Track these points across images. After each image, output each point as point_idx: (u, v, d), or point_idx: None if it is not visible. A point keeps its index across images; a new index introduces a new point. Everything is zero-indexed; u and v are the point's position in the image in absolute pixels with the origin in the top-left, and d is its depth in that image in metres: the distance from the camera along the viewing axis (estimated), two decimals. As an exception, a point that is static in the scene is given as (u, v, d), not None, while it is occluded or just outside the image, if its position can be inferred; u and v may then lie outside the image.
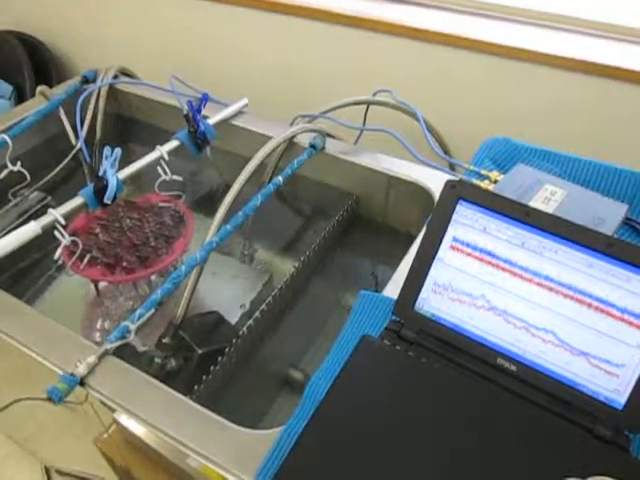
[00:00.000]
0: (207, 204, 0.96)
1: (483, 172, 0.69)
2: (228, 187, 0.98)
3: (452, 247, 0.52)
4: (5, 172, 0.87)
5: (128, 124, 1.06)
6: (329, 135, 0.88)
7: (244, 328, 0.68)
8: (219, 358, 0.65)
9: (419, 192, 0.79)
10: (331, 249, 0.83)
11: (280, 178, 0.77)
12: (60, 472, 1.12)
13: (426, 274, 0.53)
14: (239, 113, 0.94)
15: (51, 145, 1.02)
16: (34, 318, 0.61)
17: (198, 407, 0.54)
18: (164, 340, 0.67)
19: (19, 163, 0.88)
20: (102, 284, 0.82)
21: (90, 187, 0.73)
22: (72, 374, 0.53)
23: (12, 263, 0.64)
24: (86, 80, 1.03)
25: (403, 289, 0.54)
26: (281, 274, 0.87)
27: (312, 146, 0.84)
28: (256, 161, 0.77)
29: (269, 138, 0.87)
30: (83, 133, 0.90)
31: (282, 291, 0.72)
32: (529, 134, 0.81)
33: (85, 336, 0.81)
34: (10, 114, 0.98)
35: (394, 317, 0.55)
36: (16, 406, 0.72)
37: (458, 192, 0.52)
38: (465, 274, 0.52)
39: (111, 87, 1.03)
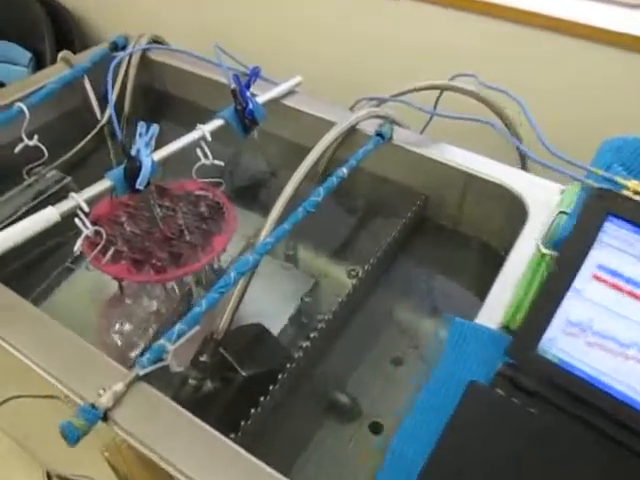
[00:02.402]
0: (247, 196, 0.84)
1: (619, 180, 0.55)
2: (273, 177, 0.87)
3: (595, 276, 0.40)
4: (20, 146, 0.76)
5: (160, 99, 0.94)
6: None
7: (300, 350, 0.56)
8: (271, 387, 0.53)
9: (505, 197, 0.66)
10: (392, 258, 0.70)
11: (344, 170, 0.64)
12: (61, 477, 1.02)
13: (556, 309, 0.41)
14: (290, 93, 0.82)
15: (72, 119, 0.90)
16: (44, 325, 0.50)
17: (250, 458, 0.42)
18: (202, 358, 0.55)
19: (36, 137, 0.77)
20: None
21: (120, 169, 0.61)
22: (93, 406, 0.42)
23: (18, 254, 0.53)
24: (115, 47, 0.91)
25: (524, 326, 0.42)
26: (327, 281, 0.75)
27: (379, 135, 0.71)
28: (320, 150, 0.65)
29: (327, 123, 0.75)
30: (113, 102, 0.77)
31: (342, 306, 0.60)
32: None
33: (102, 340, 0.71)
34: (28, 81, 0.86)
35: (507, 359, 0.43)
36: (16, 403, 0.62)
37: (607, 205, 0.40)
38: (611, 313, 0.40)
39: (143, 57, 0.90)
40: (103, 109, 0.87)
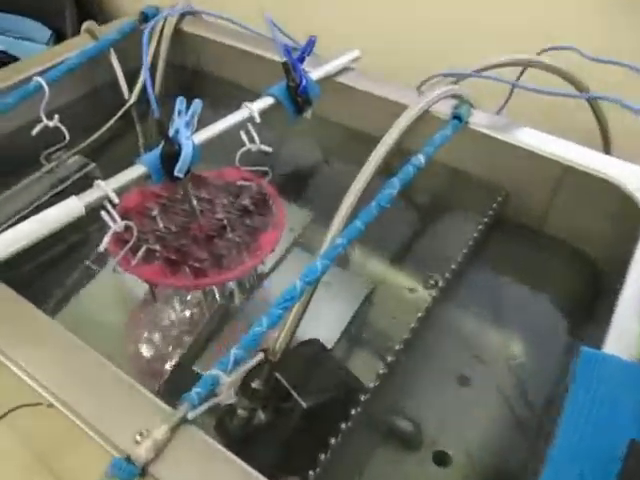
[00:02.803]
0: (291, 187, 0.73)
1: None
2: (323, 167, 0.76)
3: None
4: (39, 127, 0.66)
5: (194, 77, 0.84)
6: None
7: (377, 379, 0.46)
8: (343, 425, 0.43)
9: (612, 195, 0.55)
10: (468, 264, 0.60)
11: (421, 158, 0.54)
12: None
13: None
14: (345, 69, 0.71)
15: (97, 98, 0.80)
16: (65, 344, 0.40)
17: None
18: (253, 385, 0.45)
19: (56, 117, 0.67)
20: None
21: (155, 153, 0.51)
22: (129, 459, 0.32)
23: (30, 253, 0.44)
24: (145, 18, 0.81)
25: None
26: (386, 288, 0.65)
27: (457, 117, 0.60)
28: (394, 136, 0.54)
29: (391, 103, 0.64)
30: (148, 64, 0.67)
31: (421, 322, 0.50)
32: None
33: (128, 351, 0.61)
34: (47, 54, 0.76)
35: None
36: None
37: None
38: None
39: (176, 30, 0.80)
40: (131, 87, 0.77)
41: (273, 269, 0.68)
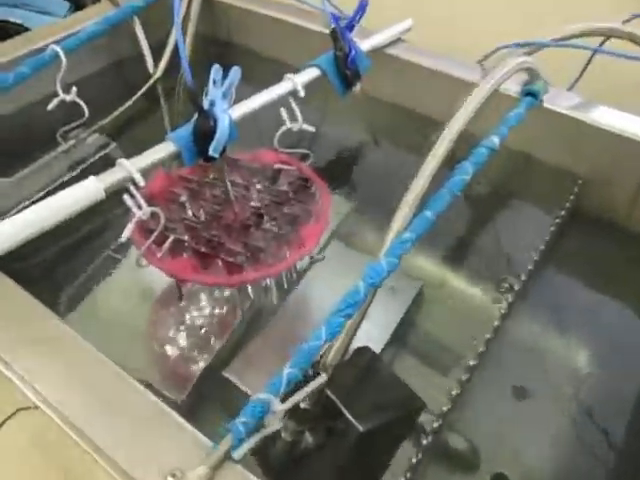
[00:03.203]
0: (332, 172, 0.65)
1: None
2: (371, 150, 0.68)
3: None
4: (55, 102, 0.59)
5: (225, 50, 0.76)
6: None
7: (449, 401, 0.38)
8: (413, 459, 0.36)
9: None
10: (540, 264, 0.51)
11: (495, 139, 0.46)
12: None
13: None
14: (396, 41, 0.63)
15: (118, 72, 0.73)
16: (77, 351, 0.33)
17: None
18: (302, 404, 0.38)
19: (74, 90, 0.60)
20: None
21: (186, 128, 0.44)
22: (159, 508, 0.25)
23: (44, 241, 0.38)
24: (171, -15, 0.73)
25: None
26: (445, 291, 0.57)
27: (530, 94, 0.52)
28: (466, 116, 0.46)
29: (453, 80, 0.56)
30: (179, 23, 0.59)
31: (496, 332, 0.42)
32: None
33: (150, 354, 0.55)
34: (65, 22, 0.70)
35: None
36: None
37: None
38: None
39: (204, -1, 0.73)
40: (156, 61, 0.70)
41: (309, 266, 0.60)
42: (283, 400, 0.29)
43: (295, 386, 0.30)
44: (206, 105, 0.44)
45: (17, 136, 0.62)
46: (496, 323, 0.42)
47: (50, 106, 0.59)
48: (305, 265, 0.59)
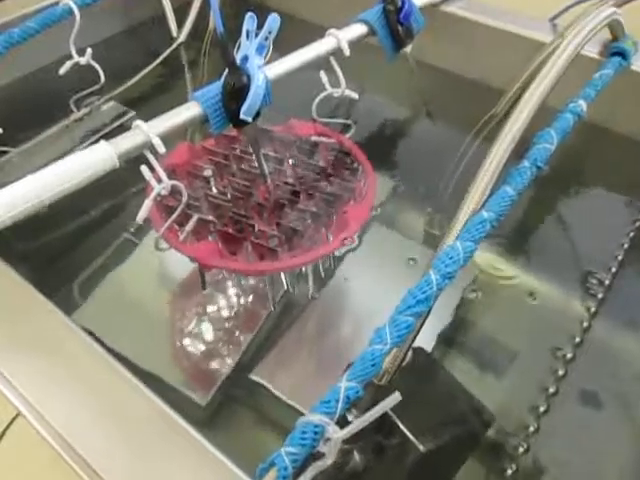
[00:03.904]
0: (374, 147, 0.58)
1: None
2: (418, 122, 0.60)
3: None
4: (68, 64, 0.53)
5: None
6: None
7: (533, 420, 0.31)
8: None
9: None
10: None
11: (582, 103, 0.38)
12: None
13: None
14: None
15: (138, 35, 0.67)
16: (84, 356, 0.27)
17: None
18: (350, 417, 0.31)
19: (89, 52, 0.54)
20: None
21: (214, 87, 0.38)
22: None
23: (52, 220, 0.32)
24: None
25: None
26: (496, 277, 0.49)
27: (619, 54, 0.44)
28: (552, 80, 0.38)
29: (523, 41, 0.48)
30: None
31: (585, 333, 0.35)
32: None
33: (170, 350, 0.48)
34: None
35: None
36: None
37: None
38: None
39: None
40: (180, 23, 0.63)
41: (347, 252, 0.53)
42: (340, 424, 0.22)
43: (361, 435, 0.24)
44: (238, 60, 0.37)
45: (26, 103, 0.56)
46: (585, 324, 0.35)
47: (62, 69, 0.53)
48: (342, 251, 0.52)
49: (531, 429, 0.31)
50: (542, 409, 0.31)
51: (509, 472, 0.31)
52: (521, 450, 0.30)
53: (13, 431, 0.45)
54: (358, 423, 0.22)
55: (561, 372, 0.33)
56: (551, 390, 0.32)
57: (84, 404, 0.24)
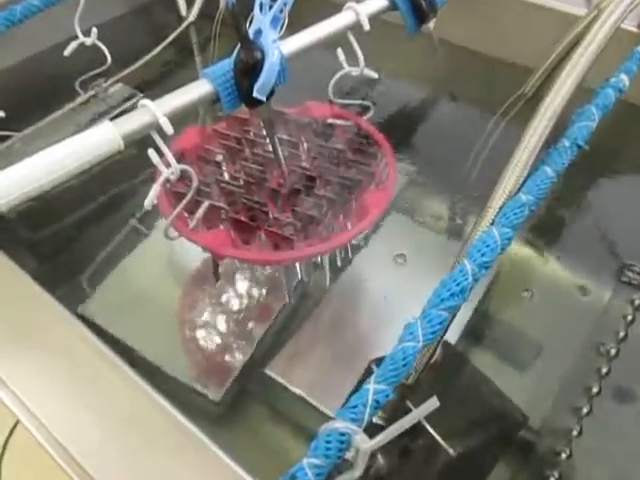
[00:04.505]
0: (395, 130, 0.55)
1: None
2: (440, 103, 0.57)
3: None
4: (73, 45, 0.51)
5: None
6: None
7: (576, 421, 0.28)
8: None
9: None
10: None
11: (624, 78, 0.35)
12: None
13: None
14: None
15: (146, 15, 0.64)
16: (86, 354, 0.24)
17: None
18: (375, 419, 0.29)
19: (94, 32, 0.51)
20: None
21: (226, 63, 0.35)
22: None
23: (56, 207, 0.30)
24: None
25: None
26: (525, 268, 0.46)
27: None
28: (589, 56, 0.35)
29: (555, 14, 0.45)
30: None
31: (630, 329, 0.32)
32: None
33: (181, 342, 0.46)
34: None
35: None
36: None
37: None
38: None
39: None
40: (189, 2, 0.60)
41: (365, 239, 0.51)
42: (368, 431, 0.20)
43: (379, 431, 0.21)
44: (251, 34, 0.34)
45: (30, 86, 0.53)
46: (630, 317, 0.32)
47: (67, 51, 0.51)
48: (360, 239, 0.50)
49: (574, 433, 0.28)
50: (585, 410, 0.28)
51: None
52: (564, 456, 0.28)
53: (17, 432, 0.43)
54: (390, 432, 0.20)
55: (604, 369, 0.30)
56: (594, 390, 0.29)
57: (84, 406, 0.22)
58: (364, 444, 0.19)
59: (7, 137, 0.48)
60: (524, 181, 0.29)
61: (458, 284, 0.23)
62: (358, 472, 0.19)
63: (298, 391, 0.40)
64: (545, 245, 0.45)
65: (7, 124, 0.47)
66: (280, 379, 0.41)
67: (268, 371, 0.42)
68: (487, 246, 0.25)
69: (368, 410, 0.20)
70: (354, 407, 0.20)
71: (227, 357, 0.44)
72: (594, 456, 0.28)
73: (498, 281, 0.46)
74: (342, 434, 0.19)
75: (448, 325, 0.30)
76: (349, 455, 0.19)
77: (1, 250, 0.30)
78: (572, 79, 0.33)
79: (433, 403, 0.21)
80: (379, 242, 0.51)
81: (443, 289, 0.23)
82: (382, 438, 0.19)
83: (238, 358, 0.43)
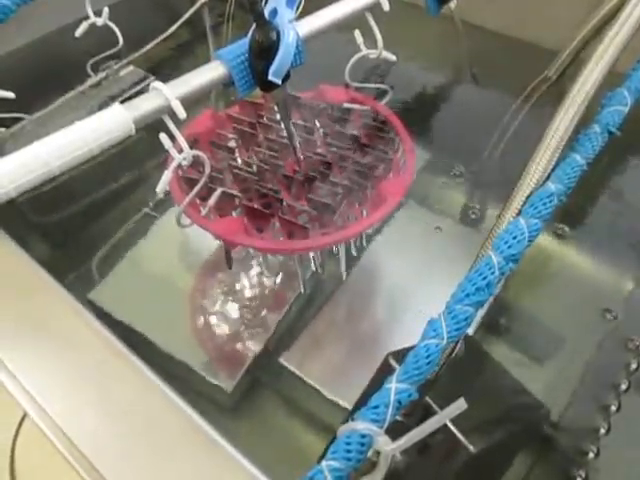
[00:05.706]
0: (413, 115, 0.53)
1: None
2: (461, 87, 0.55)
3: None
4: (84, 25, 0.50)
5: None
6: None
7: (605, 416, 0.27)
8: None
9: None
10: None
11: (659, 62, 0.33)
12: None
13: None
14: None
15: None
16: (95, 346, 0.24)
17: None
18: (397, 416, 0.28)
19: (105, 12, 0.50)
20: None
21: (240, 44, 0.34)
22: None
23: (67, 193, 0.29)
24: None
25: None
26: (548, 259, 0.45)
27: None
28: (623, 38, 0.33)
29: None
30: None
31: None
32: None
33: (194, 330, 0.46)
34: None
35: None
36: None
37: None
38: None
39: None
40: (202, -19, 0.59)
41: (381, 228, 0.50)
42: (390, 433, 0.19)
43: (398, 427, 0.20)
44: (267, 13, 0.33)
45: (40, 68, 0.52)
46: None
47: (78, 31, 0.50)
48: (376, 227, 0.48)
49: (601, 431, 0.27)
50: (613, 408, 0.27)
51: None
52: (591, 455, 0.27)
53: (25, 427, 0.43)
54: (414, 435, 0.19)
55: (634, 365, 0.29)
56: (623, 386, 0.28)
57: (93, 399, 0.21)
58: (386, 446, 0.18)
59: (18, 119, 0.47)
60: (552, 169, 0.28)
61: (484, 278, 0.22)
62: (380, 476, 0.18)
63: (313, 382, 0.39)
64: (569, 232, 0.43)
65: (17, 106, 0.46)
66: (295, 370, 0.40)
67: (283, 360, 0.41)
68: (514, 238, 0.24)
69: (390, 411, 0.19)
70: (375, 407, 0.19)
71: (239, 346, 0.43)
72: (623, 455, 0.27)
73: (517, 269, 0.44)
74: (363, 436, 0.18)
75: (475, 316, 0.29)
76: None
77: (10, 237, 0.30)
78: (605, 60, 0.31)
79: (460, 405, 0.20)
80: (394, 229, 0.50)
81: (468, 284, 0.22)
82: (406, 441, 0.18)
83: (251, 348, 0.43)
